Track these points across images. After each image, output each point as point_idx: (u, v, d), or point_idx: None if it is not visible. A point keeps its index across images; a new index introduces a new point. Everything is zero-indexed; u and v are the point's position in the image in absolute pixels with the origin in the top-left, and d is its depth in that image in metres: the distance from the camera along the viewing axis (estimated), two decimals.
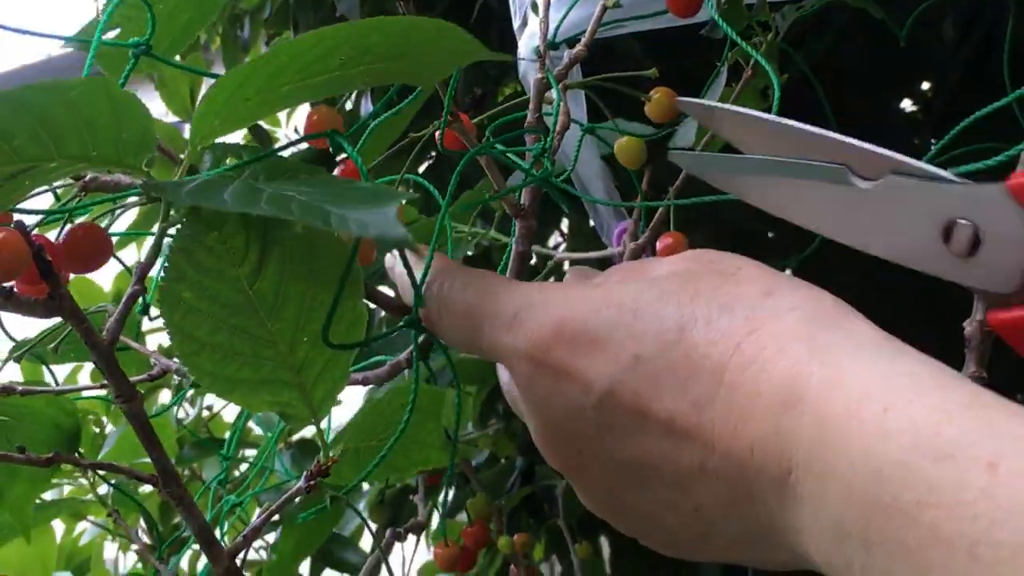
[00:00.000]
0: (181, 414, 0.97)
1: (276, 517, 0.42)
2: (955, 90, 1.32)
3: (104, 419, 0.79)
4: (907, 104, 1.54)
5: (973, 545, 0.22)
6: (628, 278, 0.35)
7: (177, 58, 0.51)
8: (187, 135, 0.36)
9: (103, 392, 0.62)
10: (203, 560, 0.67)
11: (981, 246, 0.29)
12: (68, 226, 0.35)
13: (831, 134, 0.31)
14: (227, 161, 0.40)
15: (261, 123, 1.75)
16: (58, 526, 0.90)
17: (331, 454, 0.39)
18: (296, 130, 1.81)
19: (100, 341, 0.36)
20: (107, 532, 0.78)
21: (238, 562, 0.37)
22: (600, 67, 0.67)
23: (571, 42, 0.62)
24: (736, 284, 0.32)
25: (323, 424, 0.40)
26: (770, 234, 1.15)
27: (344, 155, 0.44)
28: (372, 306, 0.43)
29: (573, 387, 0.33)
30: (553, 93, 0.54)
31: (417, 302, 0.39)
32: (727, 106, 0.34)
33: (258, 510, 0.78)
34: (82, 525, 0.91)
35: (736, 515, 0.30)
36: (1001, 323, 0.29)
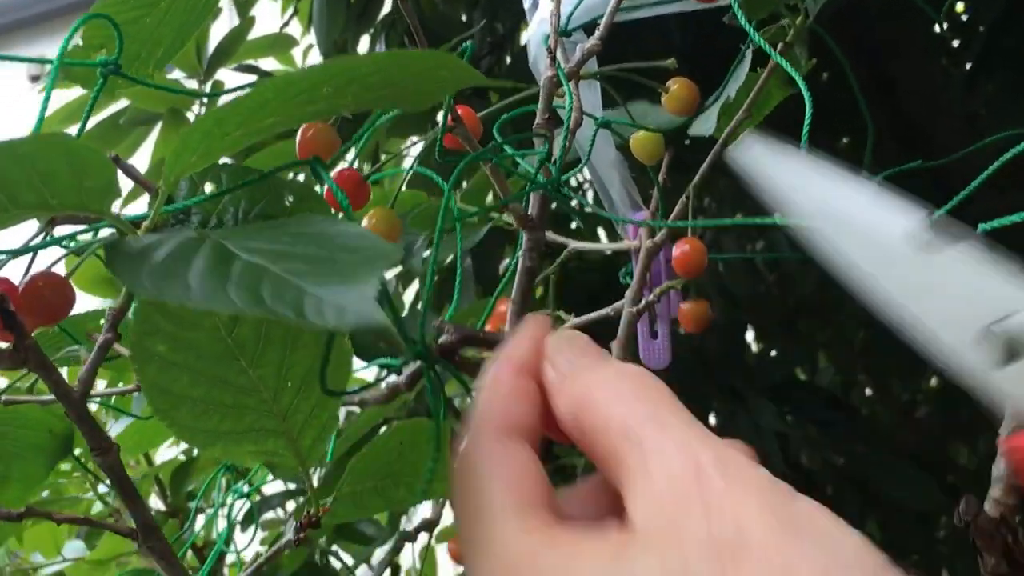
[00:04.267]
0: None
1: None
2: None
3: (104, 415, 0.78)
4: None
5: None
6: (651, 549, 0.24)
7: None
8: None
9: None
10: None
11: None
12: (28, 276, 0.32)
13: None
14: (205, 188, 0.37)
15: (274, 63, 1.68)
16: None
17: (326, 501, 0.37)
18: None
19: (71, 392, 0.34)
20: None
21: None
22: (627, 40, 0.62)
23: (587, 27, 0.58)
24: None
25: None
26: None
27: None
28: None
29: None
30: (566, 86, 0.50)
31: (421, 332, 0.35)
32: None
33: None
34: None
35: None
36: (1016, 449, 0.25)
